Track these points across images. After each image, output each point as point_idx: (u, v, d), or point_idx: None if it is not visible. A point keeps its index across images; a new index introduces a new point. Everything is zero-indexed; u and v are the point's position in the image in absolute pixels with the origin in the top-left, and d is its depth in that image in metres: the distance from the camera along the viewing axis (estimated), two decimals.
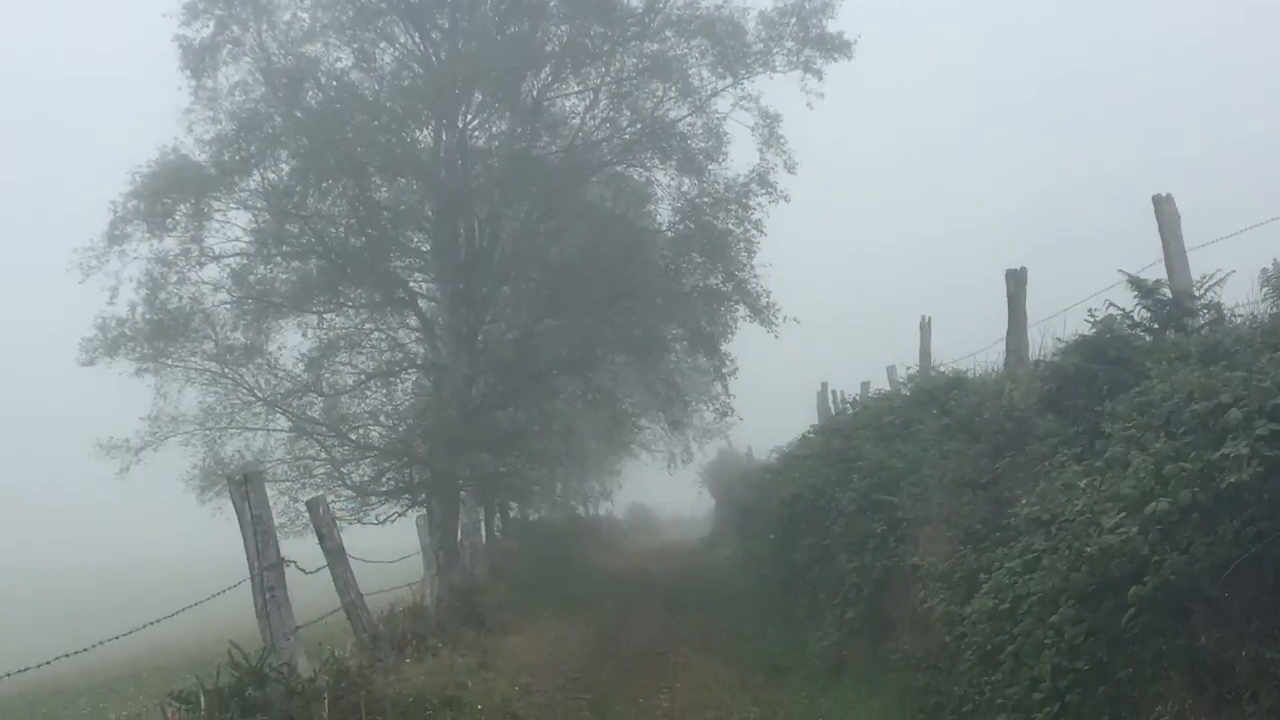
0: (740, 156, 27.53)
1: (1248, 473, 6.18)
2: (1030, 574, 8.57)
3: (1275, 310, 9.79)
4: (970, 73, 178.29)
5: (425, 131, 27.02)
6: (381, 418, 28.27)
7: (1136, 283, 11.15)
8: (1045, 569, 8.23)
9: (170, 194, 25.37)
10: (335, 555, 13.06)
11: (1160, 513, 6.67)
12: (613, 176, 29.31)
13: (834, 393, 28.20)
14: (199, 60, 25.94)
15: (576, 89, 27.92)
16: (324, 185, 25.47)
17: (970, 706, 9.57)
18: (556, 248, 28.55)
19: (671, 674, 16.41)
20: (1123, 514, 7.12)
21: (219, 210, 26.12)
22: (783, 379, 45.40)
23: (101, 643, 9.17)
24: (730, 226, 27.63)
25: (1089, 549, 7.43)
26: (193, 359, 27.10)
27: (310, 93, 25.64)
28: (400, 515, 27.00)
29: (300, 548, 14.40)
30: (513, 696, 14.03)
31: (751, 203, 27.35)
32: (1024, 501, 9.79)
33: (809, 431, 26.00)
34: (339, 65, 26.43)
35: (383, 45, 27.25)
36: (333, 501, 22.25)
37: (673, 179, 28.49)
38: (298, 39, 26.64)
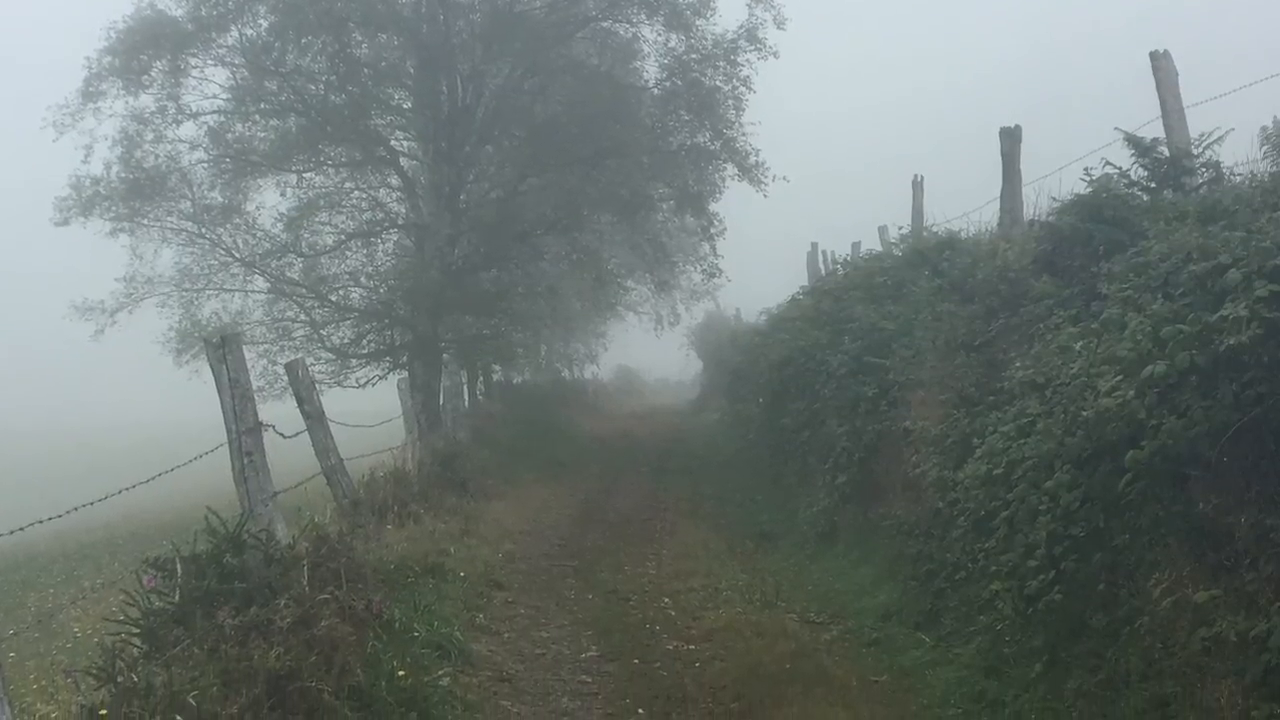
0: (729, 12, 26.97)
1: (1247, 335, 6.02)
2: (1025, 438, 8.44)
3: (1275, 169, 9.69)
4: None
5: None
6: (362, 279, 28.09)
7: (1134, 141, 11.03)
8: (1040, 433, 8.09)
9: (146, 50, 24.92)
10: (315, 419, 12.89)
11: (1158, 376, 6.55)
12: (598, 33, 28.78)
13: (824, 253, 28.21)
14: None
15: None
16: (303, 41, 25.04)
17: (963, 574, 9.55)
18: (540, 105, 27.99)
19: (658, 541, 16.43)
20: (1119, 377, 7.00)
21: (196, 67, 25.71)
22: (772, 239, 45.31)
23: (76, 509, 8.96)
24: (718, 84, 27.12)
25: (1085, 413, 7.32)
26: (169, 219, 26.87)
27: None
28: (381, 378, 27.10)
29: (279, 411, 14.27)
30: (496, 564, 14.00)
31: (740, 59, 26.78)
32: (1018, 364, 9.68)
33: (799, 293, 25.88)
34: None
35: None
36: (312, 364, 22.32)
37: (659, 35, 27.87)
38: None
